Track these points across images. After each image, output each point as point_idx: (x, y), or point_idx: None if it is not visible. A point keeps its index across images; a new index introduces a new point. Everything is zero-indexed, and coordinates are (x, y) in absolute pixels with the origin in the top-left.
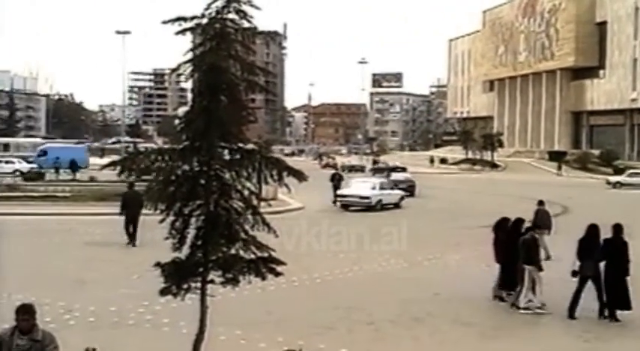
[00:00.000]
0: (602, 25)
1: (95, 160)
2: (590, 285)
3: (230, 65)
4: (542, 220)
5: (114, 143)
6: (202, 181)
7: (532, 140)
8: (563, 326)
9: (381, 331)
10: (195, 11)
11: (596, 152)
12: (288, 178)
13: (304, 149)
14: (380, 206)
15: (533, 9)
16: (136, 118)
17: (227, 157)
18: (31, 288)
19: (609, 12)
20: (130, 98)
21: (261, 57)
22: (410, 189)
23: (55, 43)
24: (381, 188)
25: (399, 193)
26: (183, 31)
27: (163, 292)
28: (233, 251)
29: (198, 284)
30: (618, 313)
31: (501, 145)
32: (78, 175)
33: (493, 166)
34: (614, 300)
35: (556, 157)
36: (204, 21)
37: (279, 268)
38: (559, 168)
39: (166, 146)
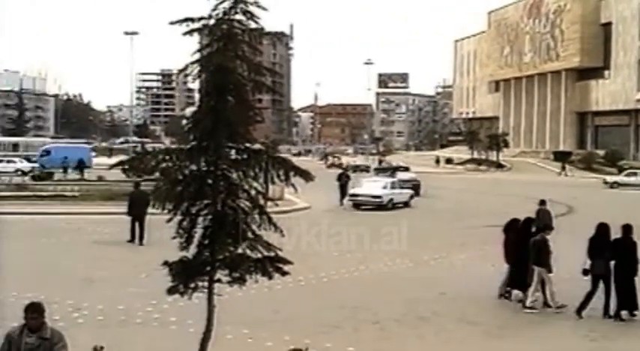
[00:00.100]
0: (607, 26)
1: (103, 160)
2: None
3: (237, 66)
4: (544, 220)
5: (122, 143)
6: (210, 181)
7: (537, 140)
8: (569, 325)
9: (386, 330)
10: (203, 12)
11: (601, 152)
12: (295, 178)
13: (311, 149)
14: (391, 205)
15: (539, 10)
16: (143, 118)
17: (234, 157)
18: (40, 286)
19: (614, 13)
20: (138, 98)
21: (267, 57)
22: (415, 188)
23: (63, 43)
24: (392, 187)
25: (408, 192)
26: (190, 32)
27: (171, 291)
28: (240, 250)
29: (206, 283)
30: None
31: (507, 145)
32: (72, 175)
33: (498, 166)
34: (621, 300)
35: (561, 157)
36: (212, 22)
37: (285, 268)
38: (562, 168)
39: (174, 146)
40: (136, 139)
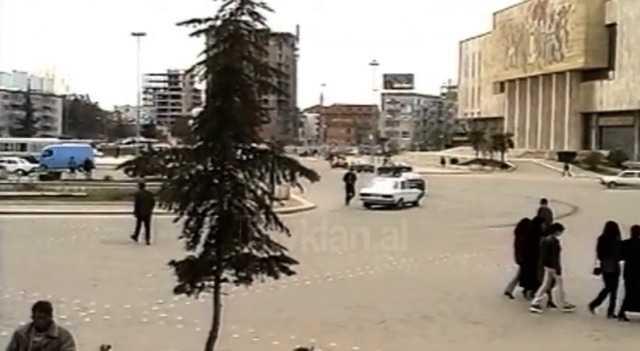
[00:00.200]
0: (612, 26)
1: (110, 160)
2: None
3: (243, 66)
4: (545, 219)
5: (128, 143)
6: (216, 181)
7: (542, 141)
8: (573, 325)
9: (391, 329)
10: (210, 13)
11: (606, 153)
12: (301, 178)
13: (317, 149)
14: (401, 204)
15: (543, 11)
16: (150, 118)
17: (240, 157)
18: (48, 286)
19: (619, 14)
20: (145, 99)
21: (273, 58)
22: (419, 188)
23: (71, 44)
24: (403, 187)
25: (417, 191)
26: (197, 33)
27: (177, 291)
28: (246, 250)
29: (212, 283)
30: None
31: (511, 145)
32: (79, 175)
33: (503, 166)
34: (627, 301)
35: (565, 157)
36: (218, 23)
37: (291, 267)
38: (565, 168)
39: (180, 146)
40: (142, 139)
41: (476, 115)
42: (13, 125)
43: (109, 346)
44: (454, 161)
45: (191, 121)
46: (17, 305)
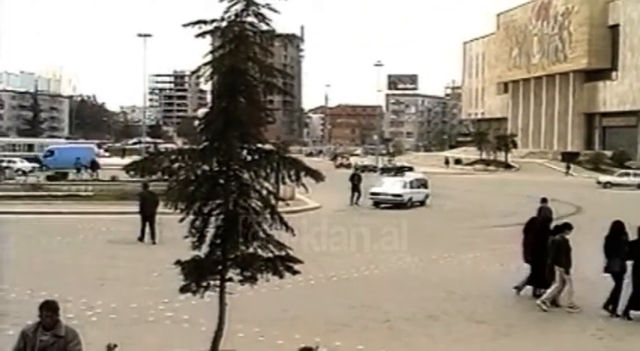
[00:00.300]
0: (615, 27)
1: (116, 160)
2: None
3: (249, 67)
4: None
5: (135, 144)
6: (221, 181)
7: (545, 141)
8: (577, 324)
9: (396, 328)
10: (215, 15)
11: (609, 153)
12: (306, 178)
13: (322, 150)
14: (410, 203)
15: (547, 12)
16: (156, 119)
17: (246, 158)
18: (54, 285)
19: (622, 15)
20: (151, 100)
21: (279, 59)
22: (422, 187)
23: (78, 46)
24: (412, 187)
25: (425, 191)
26: (203, 34)
27: (183, 290)
28: (251, 250)
29: (217, 282)
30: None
31: (515, 146)
32: (85, 175)
33: (507, 166)
34: (632, 300)
35: (569, 158)
36: (224, 24)
37: (296, 267)
38: (567, 168)
39: (186, 147)
40: (148, 139)
41: (480, 116)
42: (20, 126)
43: (115, 345)
44: (458, 161)
45: (197, 122)
46: (24, 304)
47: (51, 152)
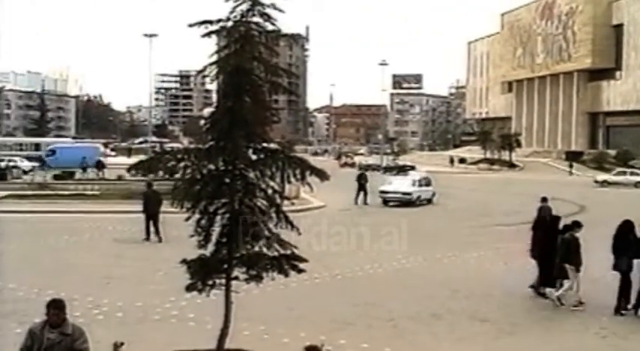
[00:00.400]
0: (619, 27)
1: (123, 160)
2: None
3: (254, 67)
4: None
5: (141, 143)
6: (227, 180)
7: (549, 140)
8: (581, 322)
9: (400, 327)
10: (221, 15)
11: (613, 152)
12: (311, 177)
13: (327, 149)
14: (419, 201)
15: (551, 12)
16: (162, 118)
17: (251, 157)
18: (61, 284)
19: (626, 15)
20: (157, 99)
21: (284, 59)
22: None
23: (84, 46)
24: (420, 185)
25: (431, 189)
26: (208, 34)
27: (189, 288)
28: (257, 248)
29: (223, 281)
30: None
31: (519, 145)
32: (91, 174)
33: (511, 165)
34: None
35: (573, 157)
36: (229, 24)
37: (301, 265)
38: (570, 167)
39: (192, 146)
40: (154, 139)
41: (484, 115)
42: (27, 125)
43: (122, 343)
44: (462, 161)
45: (202, 121)
46: (31, 303)
47: (52, 151)
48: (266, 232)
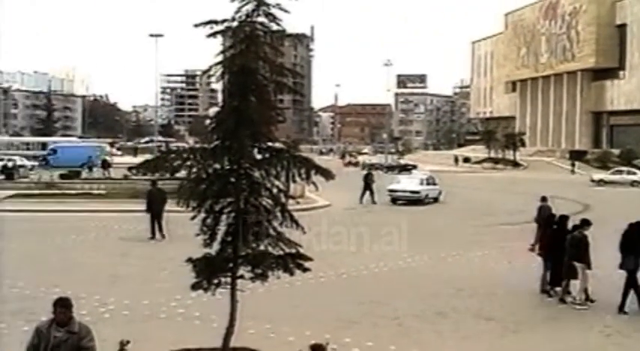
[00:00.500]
0: (623, 27)
1: (129, 159)
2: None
3: (259, 67)
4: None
5: (147, 143)
6: (233, 180)
7: (553, 140)
8: (585, 321)
9: (405, 325)
10: (226, 15)
11: (617, 151)
12: (316, 176)
13: (333, 148)
14: (427, 200)
15: (555, 11)
16: (168, 118)
17: (257, 156)
18: (68, 282)
19: (629, 14)
20: (163, 99)
21: (289, 59)
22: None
23: (91, 46)
24: (427, 184)
25: (438, 188)
26: (214, 34)
27: (195, 287)
28: (262, 247)
29: (228, 279)
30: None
31: (523, 144)
32: (95, 174)
33: (515, 165)
34: None
35: (576, 156)
36: (235, 24)
37: (306, 264)
38: (572, 166)
39: (198, 145)
40: (160, 138)
41: (488, 115)
42: (34, 125)
43: (128, 341)
44: (467, 160)
45: (208, 121)
46: (38, 301)
47: (54, 151)
48: (271, 231)
